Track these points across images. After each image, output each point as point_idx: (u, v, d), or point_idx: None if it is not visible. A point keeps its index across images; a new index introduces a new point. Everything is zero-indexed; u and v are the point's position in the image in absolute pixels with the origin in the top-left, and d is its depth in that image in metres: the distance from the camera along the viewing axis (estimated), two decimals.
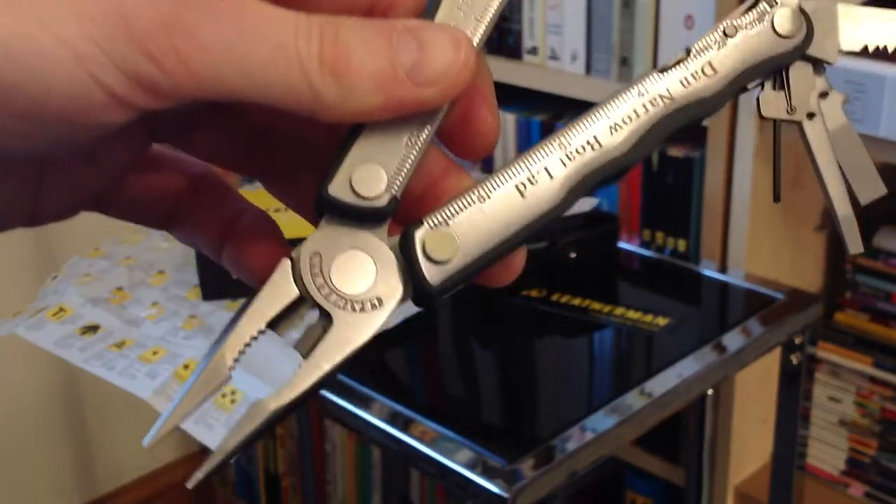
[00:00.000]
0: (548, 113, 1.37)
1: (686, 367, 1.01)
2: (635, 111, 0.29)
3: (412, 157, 0.28)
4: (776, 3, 0.30)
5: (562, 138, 0.29)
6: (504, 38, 1.38)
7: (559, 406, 1.01)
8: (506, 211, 0.28)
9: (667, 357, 1.03)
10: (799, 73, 0.31)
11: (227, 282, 1.08)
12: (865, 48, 0.32)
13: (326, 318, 0.27)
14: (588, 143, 0.29)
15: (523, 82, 1.36)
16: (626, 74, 1.26)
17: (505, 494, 0.84)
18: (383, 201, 0.27)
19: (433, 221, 0.28)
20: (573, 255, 1.16)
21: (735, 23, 0.30)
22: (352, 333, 0.27)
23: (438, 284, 0.27)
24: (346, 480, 1.80)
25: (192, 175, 0.31)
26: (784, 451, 1.23)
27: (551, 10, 1.32)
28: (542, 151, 0.29)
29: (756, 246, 1.22)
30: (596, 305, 1.13)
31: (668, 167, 1.28)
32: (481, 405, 1.04)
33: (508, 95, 1.41)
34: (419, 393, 1.06)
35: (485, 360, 1.13)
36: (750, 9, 0.30)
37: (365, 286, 0.27)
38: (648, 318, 1.10)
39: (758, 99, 0.31)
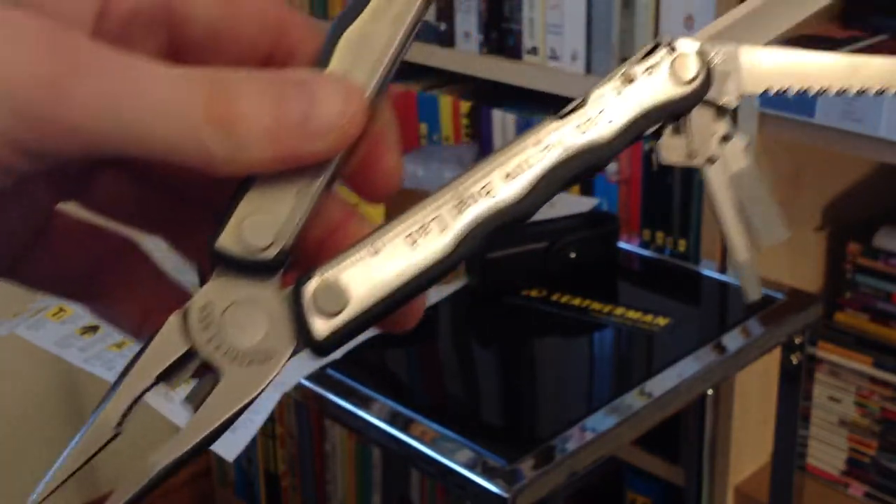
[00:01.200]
0: (548, 113, 1.37)
1: (686, 367, 1.01)
2: (529, 159, 0.29)
3: (304, 207, 0.27)
4: (675, 49, 0.30)
5: (455, 186, 0.28)
6: (504, 38, 1.38)
7: (559, 406, 1.01)
8: (396, 262, 0.28)
9: (667, 357, 1.03)
10: (700, 117, 0.30)
11: None
12: (767, 91, 0.31)
13: (216, 372, 0.27)
14: (481, 191, 0.28)
15: (523, 82, 1.36)
16: None
17: (505, 494, 0.84)
18: (272, 254, 0.27)
19: (323, 274, 0.27)
20: (573, 255, 1.16)
21: (633, 69, 0.30)
22: (240, 388, 0.27)
23: (327, 338, 0.27)
24: (346, 480, 1.80)
25: (108, 246, 0.30)
26: (784, 451, 1.23)
27: (551, 10, 1.32)
28: (434, 201, 0.28)
29: None
30: (596, 305, 1.13)
31: (668, 167, 1.28)
32: (481, 405, 1.04)
33: (508, 95, 1.41)
34: (419, 393, 1.06)
35: (485, 360, 1.13)
36: (648, 54, 0.30)
37: (255, 339, 0.27)
38: (648, 318, 1.10)
39: (656, 145, 0.30)
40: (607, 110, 0.29)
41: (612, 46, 1.27)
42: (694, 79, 0.30)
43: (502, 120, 1.41)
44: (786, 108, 1.08)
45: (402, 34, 0.28)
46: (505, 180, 0.28)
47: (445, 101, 1.46)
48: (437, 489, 1.68)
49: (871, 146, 1.04)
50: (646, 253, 1.30)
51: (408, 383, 1.08)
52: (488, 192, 0.28)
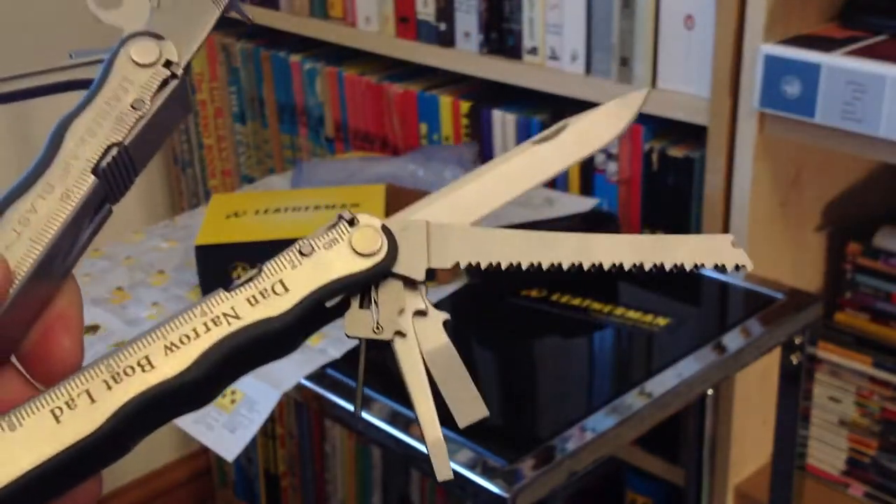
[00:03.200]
0: (548, 113, 1.37)
1: (686, 367, 1.01)
2: (195, 330, 0.28)
3: None
4: (357, 222, 0.29)
5: (110, 359, 0.27)
6: (504, 38, 1.38)
7: (559, 406, 1.01)
8: (37, 438, 0.26)
9: (667, 357, 1.03)
10: (388, 290, 0.30)
11: (227, 282, 1.08)
12: (457, 265, 0.31)
13: None
14: (139, 364, 0.27)
15: (523, 82, 1.36)
16: (626, 74, 1.26)
17: (505, 494, 0.84)
18: None
19: None
20: None
21: (312, 241, 0.29)
22: None
23: None
24: (346, 480, 1.80)
25: None
26: (784, 451, 1.23)
27: (551, 10, 1.32)
28: (87, 374, 0.27)
29: (756, 246, 1.22)
30: (596, 305, 1.13)
31: (668, 167, 1.28)
32: None
33: (508, 95, 1.41)
34: None
35: (485, 360, 1.13)
36: (330, 228, 0.29)
37: None
38: (648, 318, 1.10)
39: (345, 316, 0.30)
40: (282, 283, 0.28)
41: (612, 46, 1.27)
42: (376, 252, 0.29)
43: (502, 120, 1.41)
44: (786, 108, 1.08)
45: (71, 211, 0.27)
46: (166, 353, 0.27)
47: (445, 101, 1.46)
48: (437, 489, 1.68)
49: (871, 146, 1.04)
50: None
51: None
52: (146, 365, 0.27)
